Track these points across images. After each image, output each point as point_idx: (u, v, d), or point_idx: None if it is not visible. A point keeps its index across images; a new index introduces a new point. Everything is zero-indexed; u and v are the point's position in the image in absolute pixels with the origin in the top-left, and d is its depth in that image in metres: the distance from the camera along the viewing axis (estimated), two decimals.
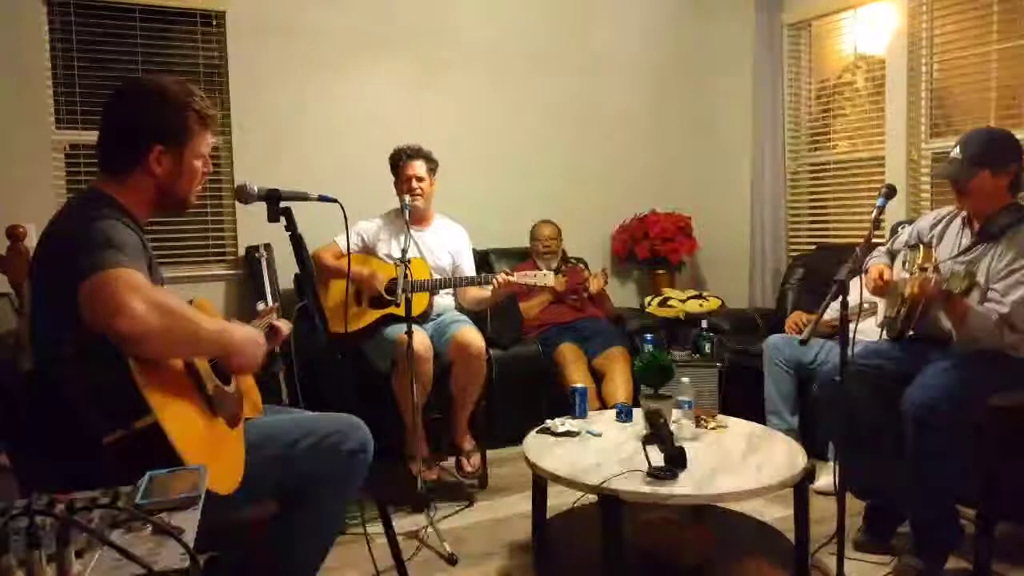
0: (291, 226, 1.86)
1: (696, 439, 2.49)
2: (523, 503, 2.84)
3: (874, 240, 2.36)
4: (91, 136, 3.44)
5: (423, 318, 3.29)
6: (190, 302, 1.64)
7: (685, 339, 4.16)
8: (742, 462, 2.29)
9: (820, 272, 3.92)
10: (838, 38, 4.42)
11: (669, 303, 4.42)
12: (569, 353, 3.81)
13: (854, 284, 2.17)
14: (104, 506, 1.02)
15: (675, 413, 2.57)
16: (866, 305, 2.88)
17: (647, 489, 2.07)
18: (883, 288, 2.54)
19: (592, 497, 2.20)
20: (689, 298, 4.46)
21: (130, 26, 3.70)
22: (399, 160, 3.40)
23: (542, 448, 2.46)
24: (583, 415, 2.78)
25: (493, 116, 4.49)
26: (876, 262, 2.68)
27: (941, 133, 3.88)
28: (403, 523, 2.81)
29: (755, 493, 2.13)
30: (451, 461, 3.37)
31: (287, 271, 3.77)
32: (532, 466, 2.36)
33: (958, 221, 2.55)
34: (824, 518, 2.60)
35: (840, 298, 2.03)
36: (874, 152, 4.18)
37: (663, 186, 4.93)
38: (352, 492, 1.87)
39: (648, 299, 4.56)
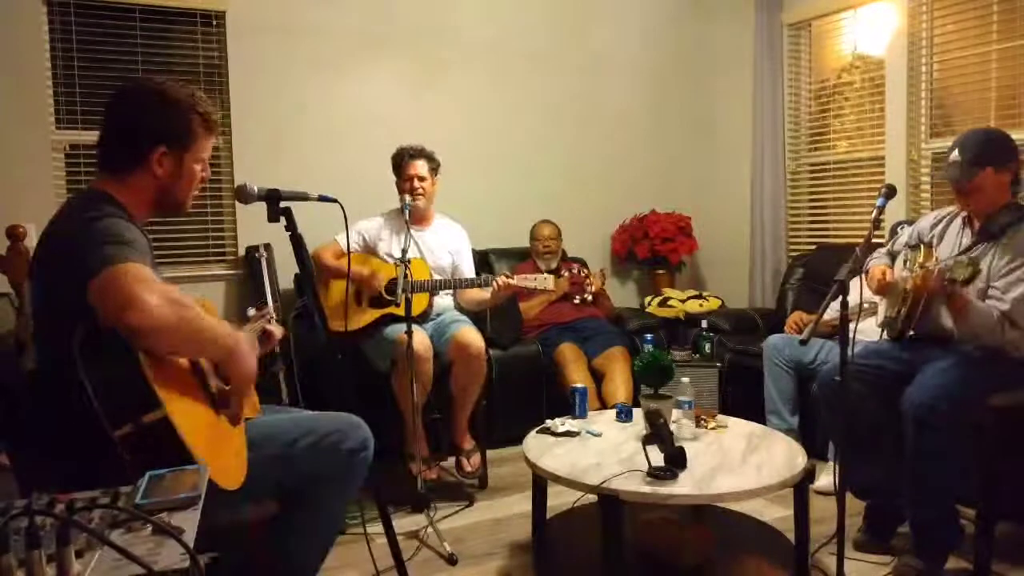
0: (291, 226, 1.86)
1: (696, 439, 2.49)
2: (523, 503, 2.84)
3: (874, 240, 2.36)
4: (91, 136, 3.44)
5: (423, 318, 3.29)
6: None
7: (685, 339, 4.17)
8: (742, 462, 2.29)
9: (820, 272, 3.92)
10: (838, 38, 4.42)
11: (669, 303, 4.43)
12: (569, 353, 3.81)
13: (854, 284, 2.17)
14: (104, 506, 1.02)
15: (675, 413, 2.57)
16: (866, 305, 2.88)
17: (647, 489, 2.07)
18: (885, 287, 2.55)
19: (592, 497, 2.20)
20: (689, 298, 4.47)
21: (130, 26, 3.70)
22: (401, 159, 3.41)
23: (542, 448, 2.46)
24: (583, 415, 2.78)
25: (493, 116, 4.49)
26: (877, 263, 2.68)
27: (941, 133, 3.88)
28: (403, 523, 2.81)
29: (755, 493, 2.13)
30: (451, 461, 3.36)
31: (287, 271, 3.78)
32: (532, 466, 2.36)
33: (958, 221, 2.55)
34: (824, 518, 2.60)
35: (840, 298, 2.03)
36: (874, 152, 4.18)
37: (663, 186, 4.93)
38: (352, 492, 1.87)
39: (648, 299, 4.56)
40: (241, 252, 3.91)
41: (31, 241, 2.58)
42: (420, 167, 3.37)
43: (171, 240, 3.81)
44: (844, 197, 4.44)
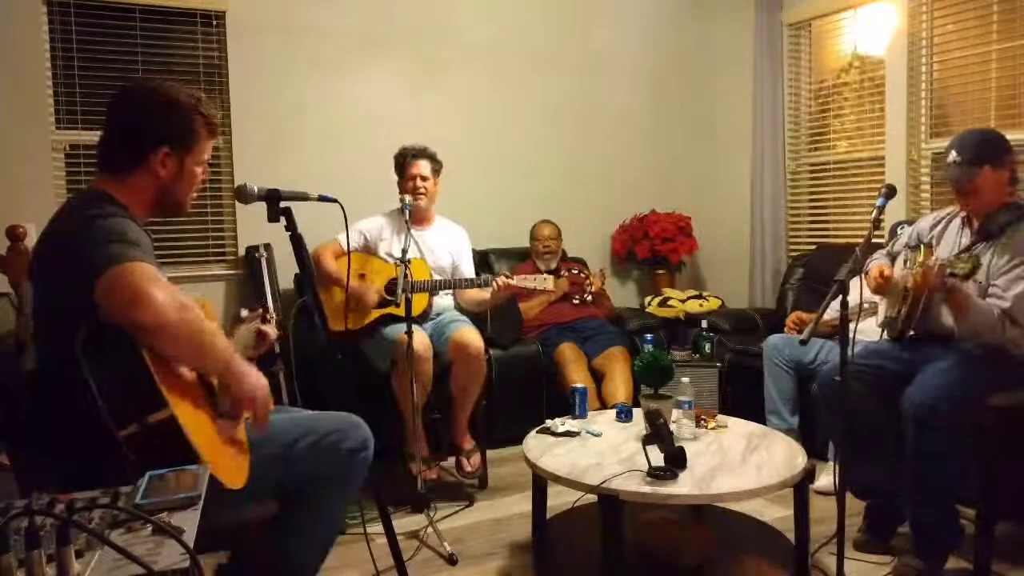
0: (291, 226, 1.86)
1: (696, 439, 2.49)
2: (523, 503, 2.84)
3: (874, 240, 2.36)
4: (91, 136, 3.45)
5: (423, 318, 3.29)
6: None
7: (685, 339, 4.17)
8: (742, 462, 2.29)
9: (820, 272, 3.92)
10: (838, 38, 4.42)
11: (669, 303, 4.43)
12: (569, 353, 3.81)
13: (854, 284, 2.17)
14: (104, 506, 1.02)
15: (675, 413, 2.57)
16: (866, 305, 2.88)
17: (647, 489, 2.07)
18: (884, 286, 2.55)
19: (592, 497, 2.20)
20: (689, 298, 4.47)
21: (130, 26, 3.70)
22: (404, 159, 3.41)
23: (542, 448, 2.46)
24: (583, 415, 2.78)
25: (493, 116, 4.49)
26: (877, 263, 2.68)
27: (941, 133, 3.88)
28: (403, 523, 2.81)
29: (755, 493, 2.13)
30: (451, 461, 3.36)
31: (287, 271, 3.78)
32: (532, 466, 2.36)
33: (957, 221, 2.56)
34: (824, 518, 2.60)
35: (840, 298, 2.03)
36: (874, 152, 4.18)
37: (663, 186, 4.93)
38: (352, 492, 1.87)
39: (648, 299, 4.56)
40: (241, 252, 3.91)
41: (31, 241, 2.58)
42: (423, 167, 3.38)
43: (171, 240, 3.81)
44: (844, 197, 4.44)
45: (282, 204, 1.85)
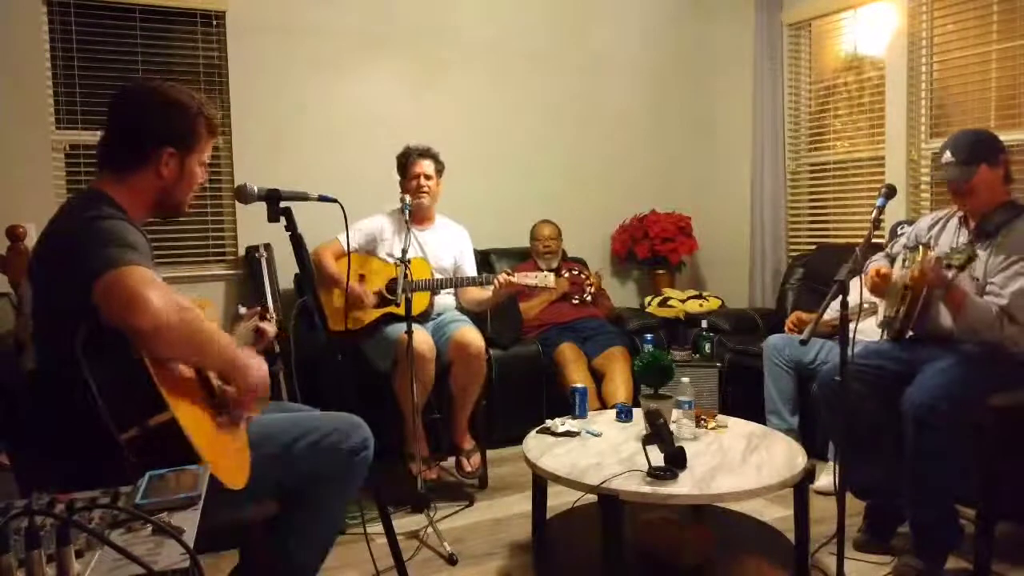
0: (291, 226, 1.86)
1: (696, 439, 2.49)
2: (523, 503, 2.85)
3: (874, 240, 2.36)
4: (91, 136, 3.45)
5: (424, 317, 3.29)
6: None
7: (685, 339, 4.17)
8: (742, 462, 2.29)
9: (820, 272, 3.92)
10: (838, 38, 4.42)
11: (669, 303, 4.43)
12: (569, 353, 3.81)
13: (854, 284, 2.17)
14: (104, 506, 1.02)
15: (675, 413, 2.57)
16: (866, 305, 2.88)
17: (647, 489, 2.07)
18: (881, 285, 2.55)
19: (592, 497, 2.20)
20: (689, 298, 4.47)
21: (130, 26, 3.70)
22: (408, 158, 3.41)
23: (542, 448, 2.46)
24: (583, 415, 2.78)
25: (493, 116, 4.49)
26: (876, 264, 2.69)
27: (941, 133, 3.87)
28: (403, 523, 2.81)
29: (755, 493, 2.13)
30: (451, 461, 3.36)
31: (287, 271, 3.78)
32: (532, 466, 2.36)
33: (954, 221, 2.56)
34: (824, 518, 2.60)
35: (840, 298, 2.03)
36: (874, 152, 4.18)
37: (663, 186, 4.93)
38: (352, 491, 1.87)
39: (648, 299, 4.56)
40: (241, 252, 3.91)
41: (31, 241, 2.58)
42: (427, 166, 3.38)
43: (171, 240, 3.81)
44: (844, 197, 4.43)
45: (282, 204, 1.85)
